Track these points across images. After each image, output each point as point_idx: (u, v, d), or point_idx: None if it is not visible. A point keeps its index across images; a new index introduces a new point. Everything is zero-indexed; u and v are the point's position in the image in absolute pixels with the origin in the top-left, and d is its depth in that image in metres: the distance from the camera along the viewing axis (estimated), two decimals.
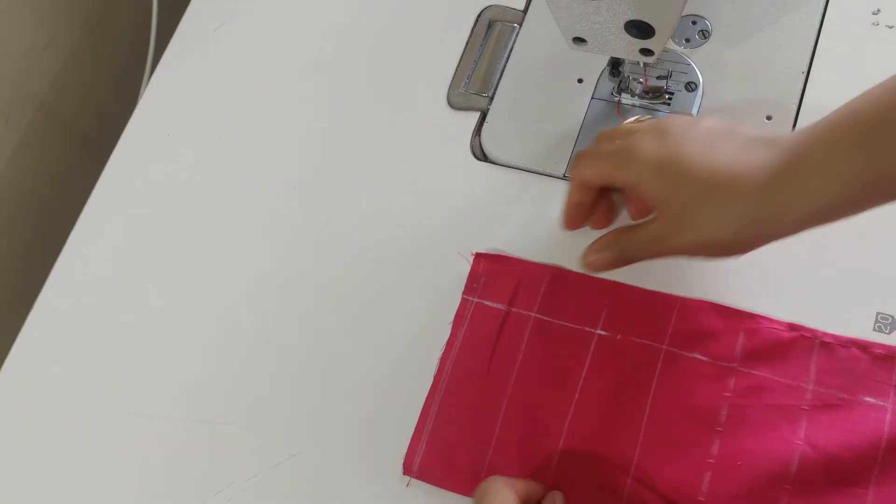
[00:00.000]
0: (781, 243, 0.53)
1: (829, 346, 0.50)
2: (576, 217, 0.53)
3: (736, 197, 0.44)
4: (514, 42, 0.64)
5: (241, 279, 0.61)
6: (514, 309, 0.55)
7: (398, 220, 0.60)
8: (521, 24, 0.64)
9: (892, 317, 0.50)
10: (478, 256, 0.57)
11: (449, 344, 0.55)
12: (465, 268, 0.57)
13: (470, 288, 0.56)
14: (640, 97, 0.59)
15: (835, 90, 0.57)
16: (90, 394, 0.60)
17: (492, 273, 0.56)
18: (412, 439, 0.53)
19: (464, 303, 0.56)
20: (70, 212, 0.67)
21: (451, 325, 0.56)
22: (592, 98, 0.60)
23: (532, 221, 0.58)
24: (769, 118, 0.57)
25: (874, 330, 0.50)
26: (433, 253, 0.58)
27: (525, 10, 0.65)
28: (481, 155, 0.61)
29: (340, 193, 0.62)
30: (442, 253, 0.58)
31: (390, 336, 0.57)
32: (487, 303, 0.56)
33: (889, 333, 0.50)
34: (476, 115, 0.62)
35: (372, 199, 0.61)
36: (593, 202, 0.52)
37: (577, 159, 0.52)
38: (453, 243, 0.58)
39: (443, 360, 0.55)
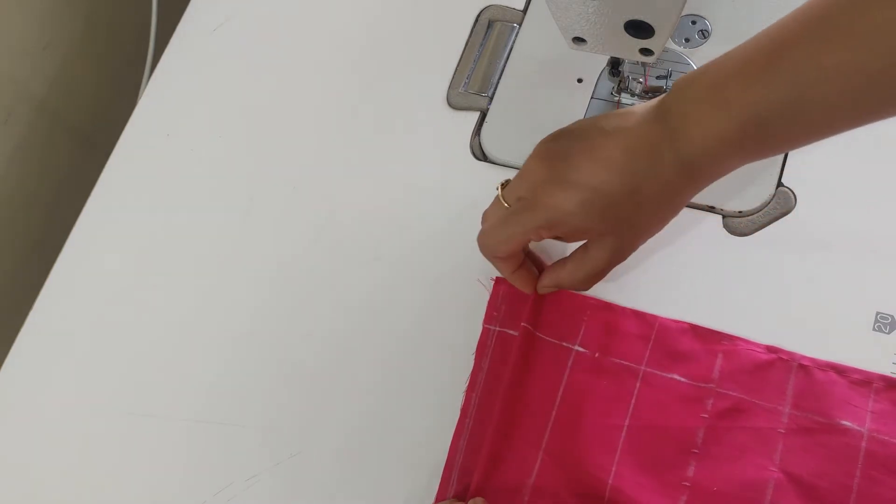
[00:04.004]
0: (782, 243, 0.53)
1: (806, 369, 0.49)
2: (527, 279, 0.53)
3: (662, 186, 0.45)
4: (514, 42, 0.64)
5: (240, 279, 0.61)
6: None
7: (398, 220, 0.60)
8: (520, 24, 0.64)
9: (892, 316, 0.50)
10: (498, 281, 0.56)
11: (473, 375, 0.54)
12: (460, 266, 0.57)
13: (490, 317, 0.55)
14: (640, 97, 0.59)
15: None
16: (90, 394, 0.60)
17: (511, 298, 0.55)
18: (441, 483, 0.52)
19: (485, 332, 0.55)
20: (70, 212, 0.67)
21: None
22: (592, 98, 0.60)
23: None
24: None
25: (874, 329, 0.50)
26: (432, 253, 0.58)
27: (525, 10, 0.65)
28: (481, 155, 0.61)
29: (340, 193, 0.62)
30: (441, 253, 0.58)
31: (390, 334, 0.57)
32: (509, 331, 0.54)
33: (889, 333, 0.50)
34: (476, 115, 0.62)
35: (372, 199, 0.61)
36: (524, 259, 0.53)
37: (484, 239, 0.51)
38: (453, 243, 0.58)
39: (468, 393, 0.54)
